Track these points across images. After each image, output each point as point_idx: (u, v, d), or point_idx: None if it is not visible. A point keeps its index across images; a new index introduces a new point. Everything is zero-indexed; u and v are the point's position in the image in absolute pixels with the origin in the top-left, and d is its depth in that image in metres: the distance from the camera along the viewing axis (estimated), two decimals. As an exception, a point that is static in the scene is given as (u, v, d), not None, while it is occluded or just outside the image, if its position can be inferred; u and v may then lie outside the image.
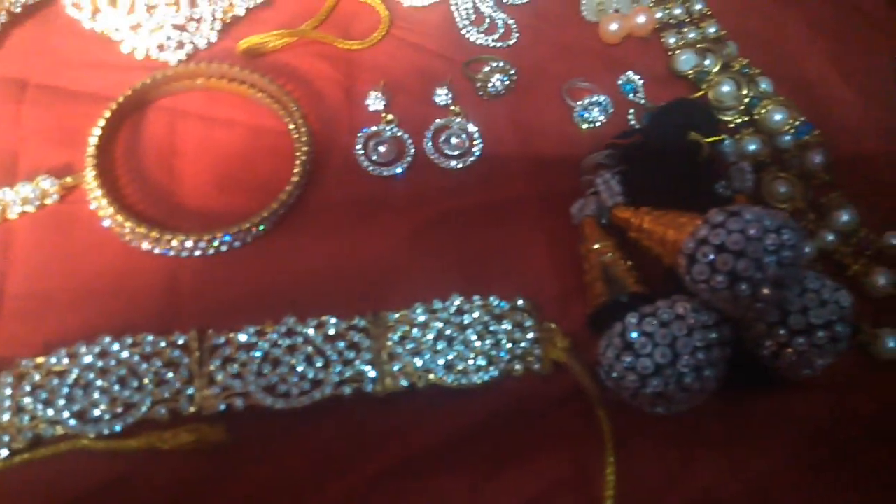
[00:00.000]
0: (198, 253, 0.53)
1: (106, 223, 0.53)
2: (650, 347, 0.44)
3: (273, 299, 0.52)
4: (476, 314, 0.51)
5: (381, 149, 0.58)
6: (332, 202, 0.56)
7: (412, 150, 0.59)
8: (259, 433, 0.48)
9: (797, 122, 0.58)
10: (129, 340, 0.48)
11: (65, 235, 0.53)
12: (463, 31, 0.64)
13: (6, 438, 0.45)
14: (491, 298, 0.52)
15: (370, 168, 0.58)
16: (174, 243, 0.52)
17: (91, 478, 0.46)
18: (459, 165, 0.59)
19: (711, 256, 0.43)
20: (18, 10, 0.60)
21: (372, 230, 0.55)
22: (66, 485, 0.45)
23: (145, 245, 0.53)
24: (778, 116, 0.58)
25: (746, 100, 0.60)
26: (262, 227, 0.54)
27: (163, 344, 0.48)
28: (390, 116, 0.60)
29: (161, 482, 0.46)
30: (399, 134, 0.59)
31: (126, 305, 0.51)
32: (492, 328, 0.51)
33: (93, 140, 0.54)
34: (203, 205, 0.56)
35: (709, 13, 0.65)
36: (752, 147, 0.58)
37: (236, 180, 0.57)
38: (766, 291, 0.42)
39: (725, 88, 0.60)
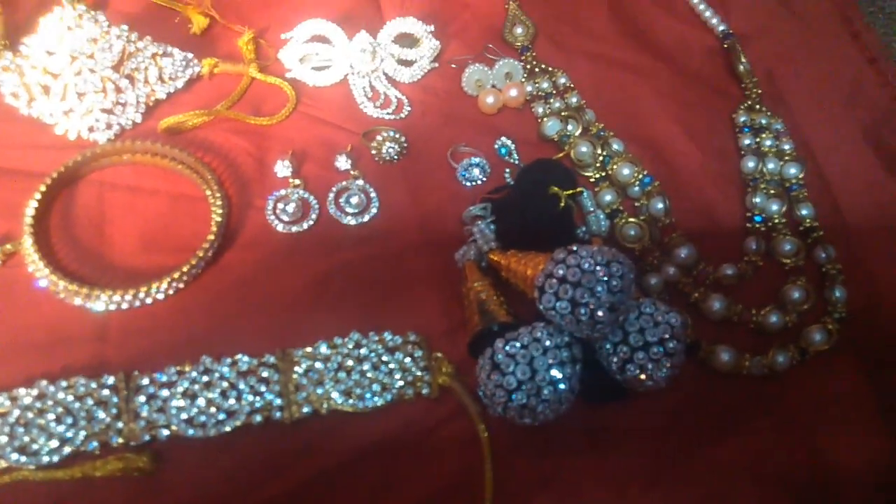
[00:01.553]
0: (125, 306, 0.60)
1: (42, 283, 0.60)
2: (513, 366, 0.53)
3: (193, 346, 0.59)
4: (372, 347, 0.59)
5: (289, 209, 0.66)
6: (244, 257, 0.64)
7: (317, 209, 0.67)
8: (181, 460, 0.55)
9: (641, 175, 0.69)
10: (64, 383, 0.54)
11: (4, 295, 0.60)
12: (361, 106, 0.73)
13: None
14: (385, 334, 0.60)
15: (279, 227, 0.66)
16: (103, 298, 0.59)
17: (32, 505, 0.52)
18: (359, 221, 0.67)
19: (555, 287, 0.52)
20: (-40, 99, 0.67)
21: (281, 280, 0.63)
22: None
23: (77, 301, 0.59)
24: (626, 171, 0.69)
25: (601, 158, 0.70)
26: (182, 283, 0.61)
27: (93, 385, 0.55)
28: (297, 181, 0.68)
29: (94, 506, 0.52)
30: (305, 196, 0.67)
31: (61, 355, 0.58)
32: (385, 359, 0.59)
33: (30, 211, 0.61)
34: (130, 264, 0.63)
35: (571, 86, 0.76)
36: (607, 198, 0.68)
37: (160, 242, 0.64)
38: (601, 314, 0.52)
39: (583, 149, 0.70)
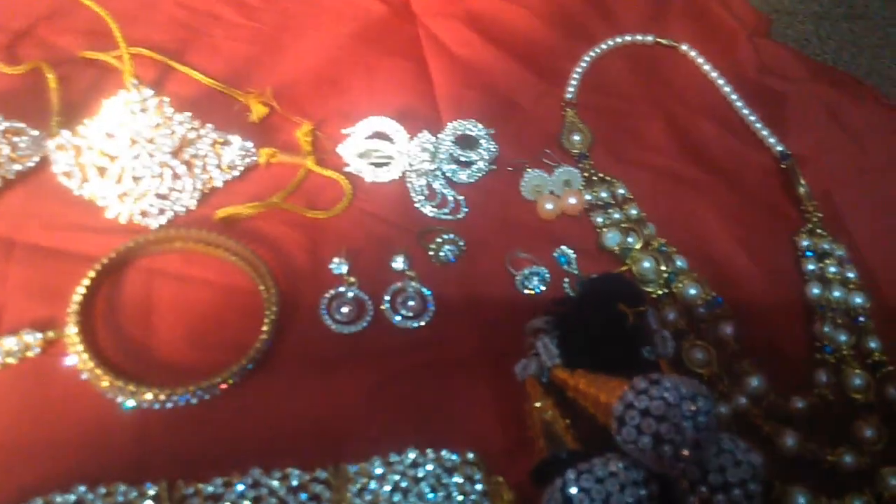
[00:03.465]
0: (170, 405, 0.57)
1: (84, 376, 0.57)
2: (587, 502, 0.49)
3: (240, 450, 0.55)
4: (430, 467, 0.55)
5: (344, 309, 0.64)
6: (296, 357, 0.61)
7: (371, 311, 0.64)
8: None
9: (709, 297, 0.67)
10: (103, 490, 0.51)
11: (44, 387, 0.57)
12: (417, 205, 0.72)
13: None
14: (443, 452, 0.56)
15: (333, 326, 0.63)
16: (148, 396, 0.56)
17: None
18: (414, 325, 0.64)
19: (637, 420, 0.49)
20: (12, 176, 0.65)
21: (333, 384, 0.60)
22: None
23: (120, 398, 0.56)
24: (692, 291, 0.67)
25: (665, 275, 0.69)
26: (231, 381, 0.58)
27: (134, 494, 0.51)
28: (352, 279, 0.66)
29: None
30: (361, 295, 0.65)
31: (100, 455, 0.54)
32: (444, 481, 0.55)
33: (76, 297, 0.59)
34: (176, 360, 0.60)
35: (630, 198, 0.74)
36: (671, 317, 0.66)
37: (208, 337, 0.61)
38: (685, 452, 0.48)
39: (646, 265, 0.68)
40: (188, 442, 0.56)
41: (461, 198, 0.73)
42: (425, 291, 0.66)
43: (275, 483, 0.53)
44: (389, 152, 0.73)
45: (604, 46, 0.88)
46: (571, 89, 0.83)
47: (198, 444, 0.56)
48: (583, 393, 0.56)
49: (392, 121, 0.73)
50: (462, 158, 0.74)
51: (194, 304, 0.63)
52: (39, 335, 0.58)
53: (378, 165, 0.73)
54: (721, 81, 0.86)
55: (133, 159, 0.65)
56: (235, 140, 0.69)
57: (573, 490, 0.50)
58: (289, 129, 0.74)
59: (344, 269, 0.66)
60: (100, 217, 0.65)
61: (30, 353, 0.57)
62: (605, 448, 0.52)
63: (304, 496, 0.53)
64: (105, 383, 0.56)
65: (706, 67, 0.87)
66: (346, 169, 0.72)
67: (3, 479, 0.52)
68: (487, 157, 0.75)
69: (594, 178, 0.76)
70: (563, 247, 0.71)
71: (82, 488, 0.50)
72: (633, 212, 0.73)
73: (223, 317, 0.63)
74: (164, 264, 0.64)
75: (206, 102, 0.74)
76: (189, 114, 0.67)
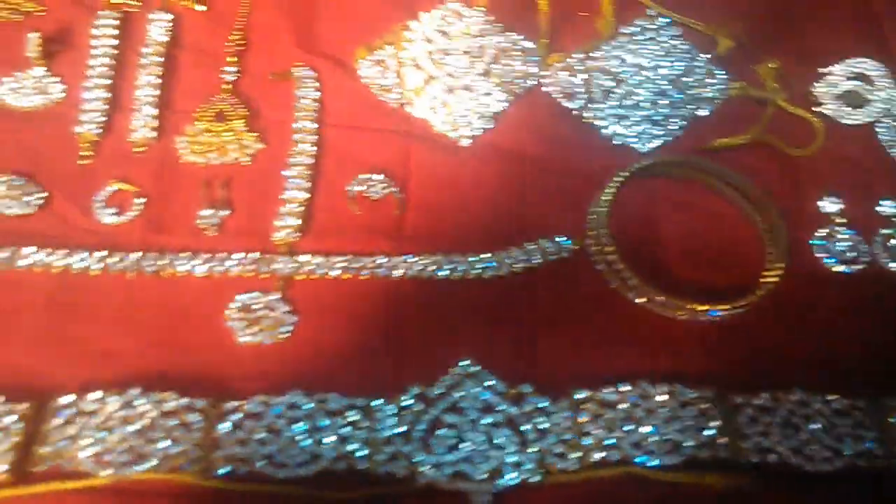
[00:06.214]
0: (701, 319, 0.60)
1: (612, 283, 0.60)
2: None
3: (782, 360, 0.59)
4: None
5: (840, 247, 0.64)
6: (795, 294, 0.62)
7: (866, 252, 0.64)
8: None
9: None
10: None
11: (572, 288, 0.61)
12: (890, 151, 0.70)
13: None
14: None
15: (834, 266, 0.63)
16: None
17: None
18: (906, 270, 0.63)
19: None
20: (520, 91, 0.69)
21: (831, 321, 0.61)
22: None
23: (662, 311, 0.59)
24: None
25: None
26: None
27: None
28: (844, 220, 0.65)
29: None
30: (855, 236, 0.64)
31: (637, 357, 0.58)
32: None
33: (601, 209, 0.62)
34: (676, 275, 0.62)
35: None
36: None
37: (707, 258, 0.63)
38: None
39: None
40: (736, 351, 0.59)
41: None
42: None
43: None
44: (868, 97, 0.71)
45: None
46: None
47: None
48: None
49: (878, 63, 0.71)
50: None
51: (692, 227, 0.65)
52: (567, 241, 0.62)
53: (853, 108, 0.71)
54: None
55: (636, 85, 0.67)
56: (718, 72, 0.70)
57: None
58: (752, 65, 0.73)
59: (835, 208, 0.66)
60: (594, 136, 0.68)
61: (554, 258, 0.62)
62: None
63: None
64: (632, 291, 0.59)
65: None
66: (817, 109, 0.71)
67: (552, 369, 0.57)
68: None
69: None
70: None
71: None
72: None
73: (719, 243, 0.64)
74: (662, 187, 0.66)
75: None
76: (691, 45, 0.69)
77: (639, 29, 0.67)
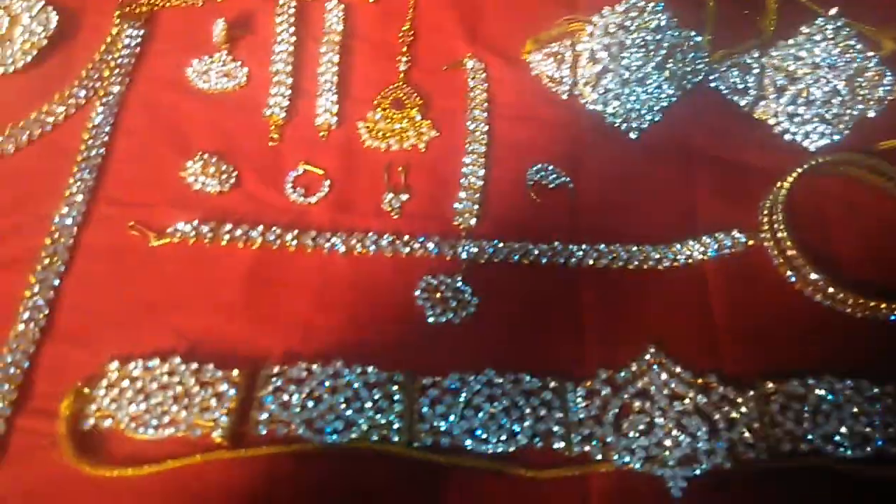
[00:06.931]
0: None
1: (792, 278, 0.61)
2: None
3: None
4: None
5: None
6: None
7: None
8: None
9: None
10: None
11: (749, 282, 0.62)
12: None
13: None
14: None
15: None
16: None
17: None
18: None
19: None
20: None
21: None
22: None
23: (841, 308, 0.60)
24: None
25: None
26: None
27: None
28: None
29: None
30: None
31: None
32: None
33: (778, 205, 0.63)
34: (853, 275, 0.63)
35: None
36: None
37: (876, 259, 0.64)
38: None
39: None
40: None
41: None
42: None
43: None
44: None
45: None
46: None
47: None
48: None
49: None
50: None
51: (865, 228, 0.65)
52: (742, 237, 0.62)
53: None
54: None
55: (811, 84, 0.68)
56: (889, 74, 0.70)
57: None
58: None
59: None
60: (763, 133, 0.69)
61: (725, 252, 0.63)
62: None
63: None
64: (810, 286, 0.60)
65: None
66: None
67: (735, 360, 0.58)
68: None
69: None
70: None
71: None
72: None
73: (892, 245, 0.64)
74: (834, 186, 0.67)
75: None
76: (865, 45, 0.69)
77: (815, 28, 0.67)
